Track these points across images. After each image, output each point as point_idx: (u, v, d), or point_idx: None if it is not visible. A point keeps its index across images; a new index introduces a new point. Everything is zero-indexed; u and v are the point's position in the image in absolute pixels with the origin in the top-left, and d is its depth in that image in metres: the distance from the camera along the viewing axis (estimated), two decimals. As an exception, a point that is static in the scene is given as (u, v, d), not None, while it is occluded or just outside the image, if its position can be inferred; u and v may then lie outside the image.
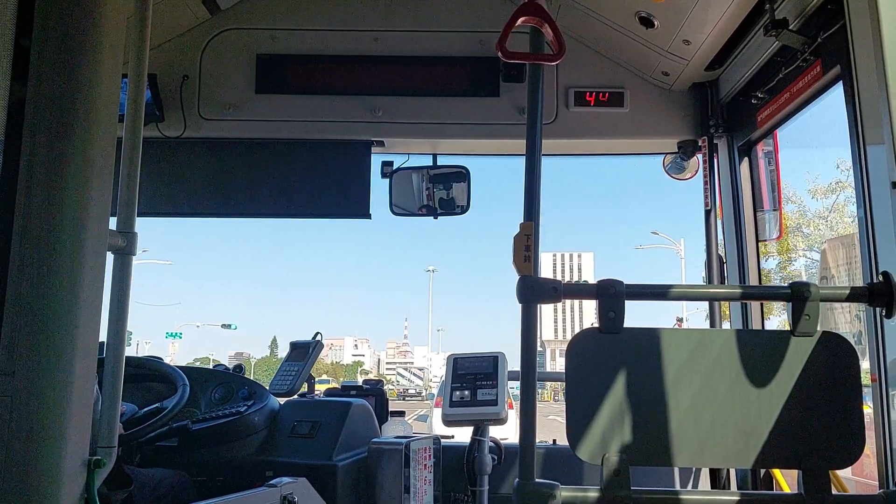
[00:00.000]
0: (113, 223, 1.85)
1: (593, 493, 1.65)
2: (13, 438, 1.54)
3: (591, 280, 2.18)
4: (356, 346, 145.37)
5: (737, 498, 1.77)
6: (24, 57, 1.66)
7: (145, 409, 2.82)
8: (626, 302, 1.73)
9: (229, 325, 59.21)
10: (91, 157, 1.66)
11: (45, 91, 1.65)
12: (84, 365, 1.63)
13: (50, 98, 1.65)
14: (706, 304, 3.49)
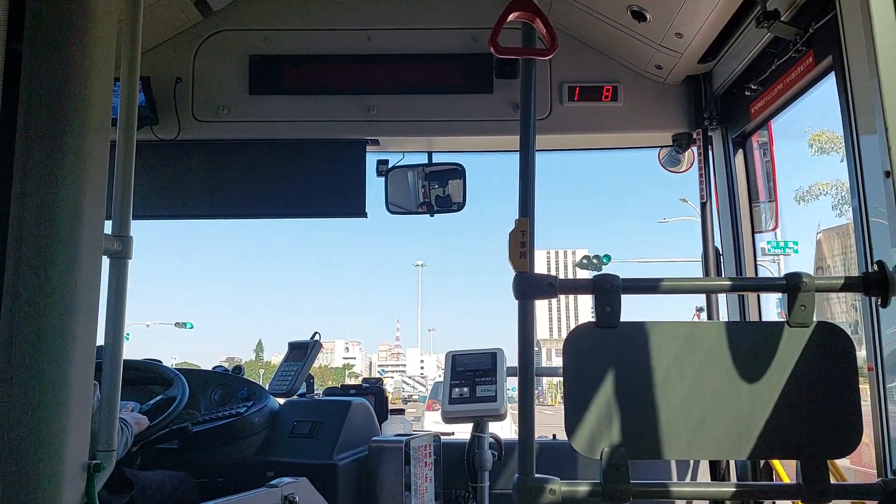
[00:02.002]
0: (108, 227, 1.85)
1: (593, 487, 1.66)
2: (12, 443, 1.54)
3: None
4: (347, 348, 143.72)
5: (734, 489, 1.78)
6: (15, 62, 1.65)
7: (150, 403, 2.82)
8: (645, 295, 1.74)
9: (185, 324, 51.62)
10: (85, 162, 1.66)
11: (37, 96, 1.65)
12: (82, 369, 1.63)
13: (42, 103, 1.65)
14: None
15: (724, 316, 3.41)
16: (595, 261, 28.73)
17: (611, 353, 1.71)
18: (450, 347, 3.25)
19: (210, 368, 3.60)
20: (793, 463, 1.70)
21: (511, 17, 1.88)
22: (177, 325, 51.17)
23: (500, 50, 1.87)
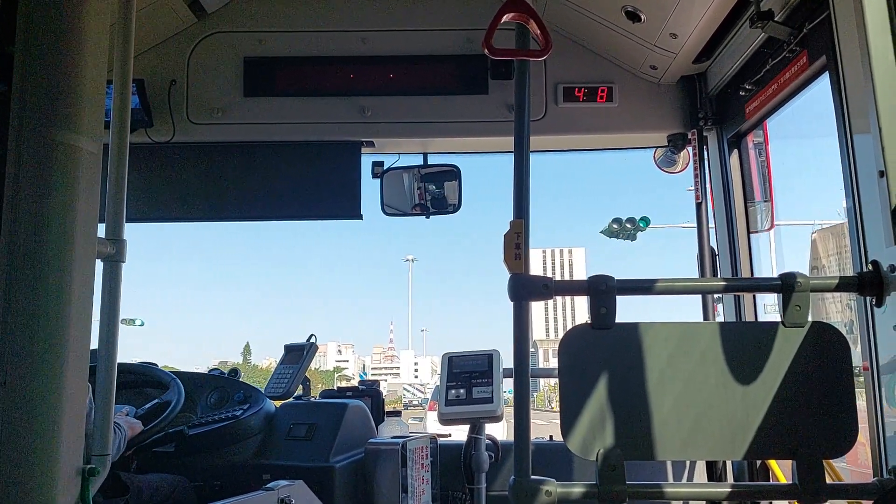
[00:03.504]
0: (102, 230, 1.84)
1: (589, 489, 1.66)
2: (6, 448, 1.53)
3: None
4: (340, 351, 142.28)
5: (730, 490, 1.78)
6: (7, 65, 1.65)
7: (146, 407, 2.81)
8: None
9: (133, 321, 43.59)
10: (77, 165, 1.66)
11: (29, 99, 1.64)
12: (76, 373, 1.62)
13: (34, 106, 1.64)
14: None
15: (719, 316, 3.41)
16: (629, 225, 20.59)
17: (606, 355, 1.72)
18: (443, 348, 3.27)
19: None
20: (789, 463, 1.71)
21: (505, 18, 1.89)
22: (124, 321, 45.82)
23: (493, 51, 1.88)
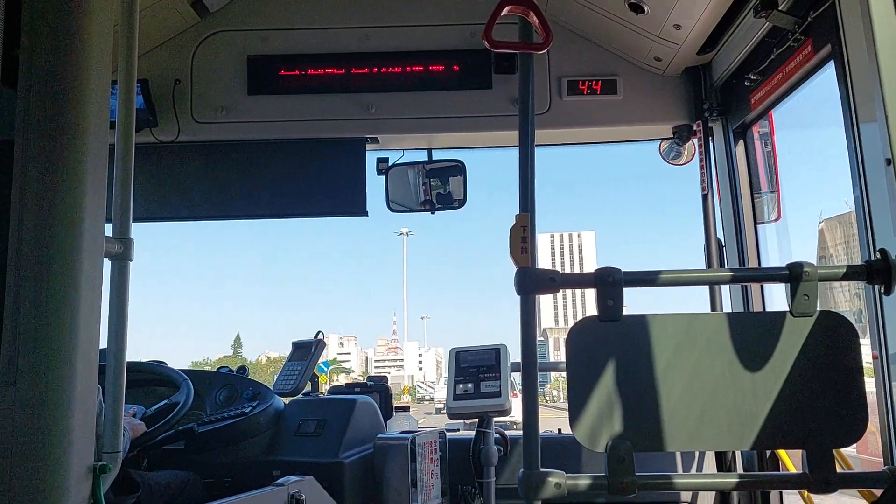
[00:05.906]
0: (109, 230, 1.85)
1: (598, 481, 1.66)
2: (17, 447, 1.55)
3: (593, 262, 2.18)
4: (342, 344, 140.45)
5: (739, 480, 1.78)
6: (12, 67, 1.66)
7: (155, 407, 2.83)
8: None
9: None
10: (84, 165, 1.66)
11: (34, 101, 1.65)
12: (85, 371, 1.63)
13: (40, 108, 1.65)
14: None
15: (728, 308, 3.40)
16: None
17: (614, 347, 1.72)
18: (446, 336, 3.28)
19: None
20: (799, 452, 1.71)
21: (505, 10, 1.88)
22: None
23: (494, 44, 1.87)
